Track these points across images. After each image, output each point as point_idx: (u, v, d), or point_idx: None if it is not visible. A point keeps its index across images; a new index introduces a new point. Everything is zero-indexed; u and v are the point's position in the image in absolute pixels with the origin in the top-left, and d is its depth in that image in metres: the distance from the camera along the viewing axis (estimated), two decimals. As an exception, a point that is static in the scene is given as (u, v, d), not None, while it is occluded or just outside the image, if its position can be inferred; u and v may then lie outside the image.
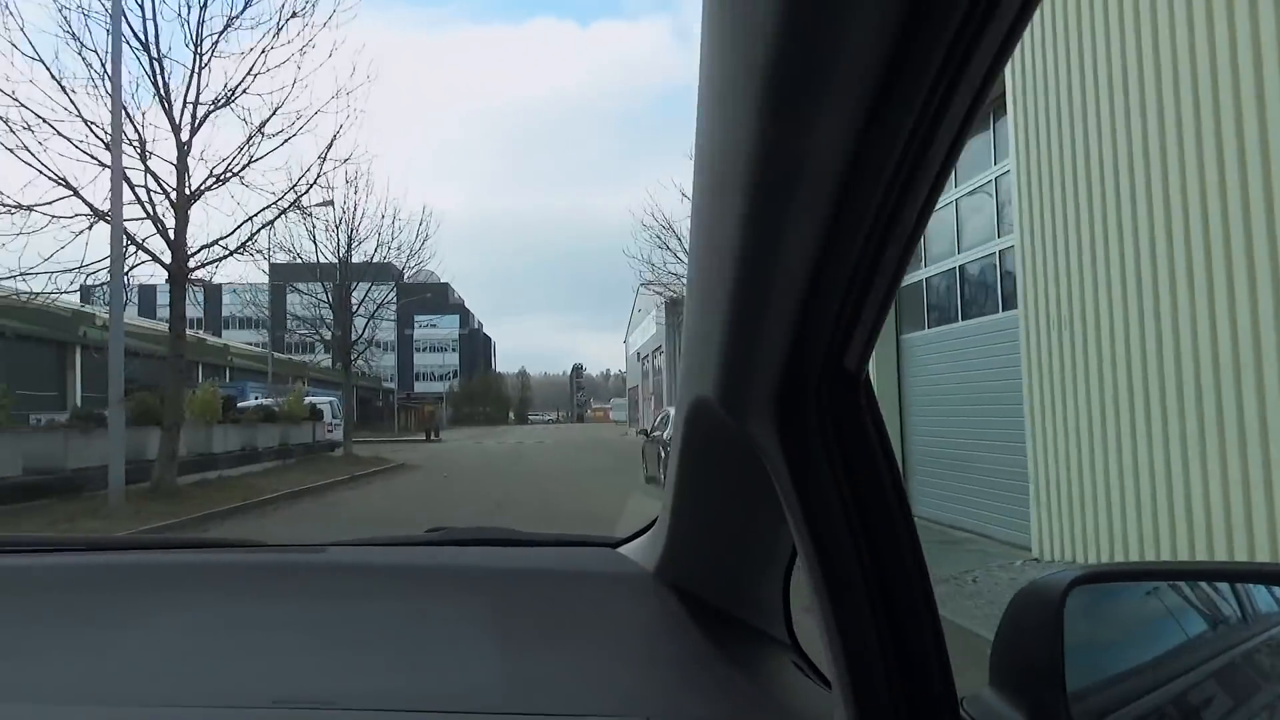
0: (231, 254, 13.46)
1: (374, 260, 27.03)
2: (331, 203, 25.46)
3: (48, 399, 25.54)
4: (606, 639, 1.07)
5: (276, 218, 14.28)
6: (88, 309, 31.85)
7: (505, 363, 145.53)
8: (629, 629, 1.11)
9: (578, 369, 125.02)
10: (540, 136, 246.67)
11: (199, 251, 13.30)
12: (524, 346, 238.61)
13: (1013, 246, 9.04)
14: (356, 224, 26.48)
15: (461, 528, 1.48)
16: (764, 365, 0.62)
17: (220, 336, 68.07)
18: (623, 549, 1.32)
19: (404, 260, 27.13)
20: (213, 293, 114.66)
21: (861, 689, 0.62)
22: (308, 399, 28.42)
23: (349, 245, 26.38)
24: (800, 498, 0.63)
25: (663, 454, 16.49)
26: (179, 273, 12.89)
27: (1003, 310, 9.66)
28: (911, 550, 0.63)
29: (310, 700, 0.87)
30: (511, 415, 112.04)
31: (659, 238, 30.28)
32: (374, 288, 27.62)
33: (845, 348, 0.60)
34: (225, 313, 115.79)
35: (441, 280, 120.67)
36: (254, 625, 1.11)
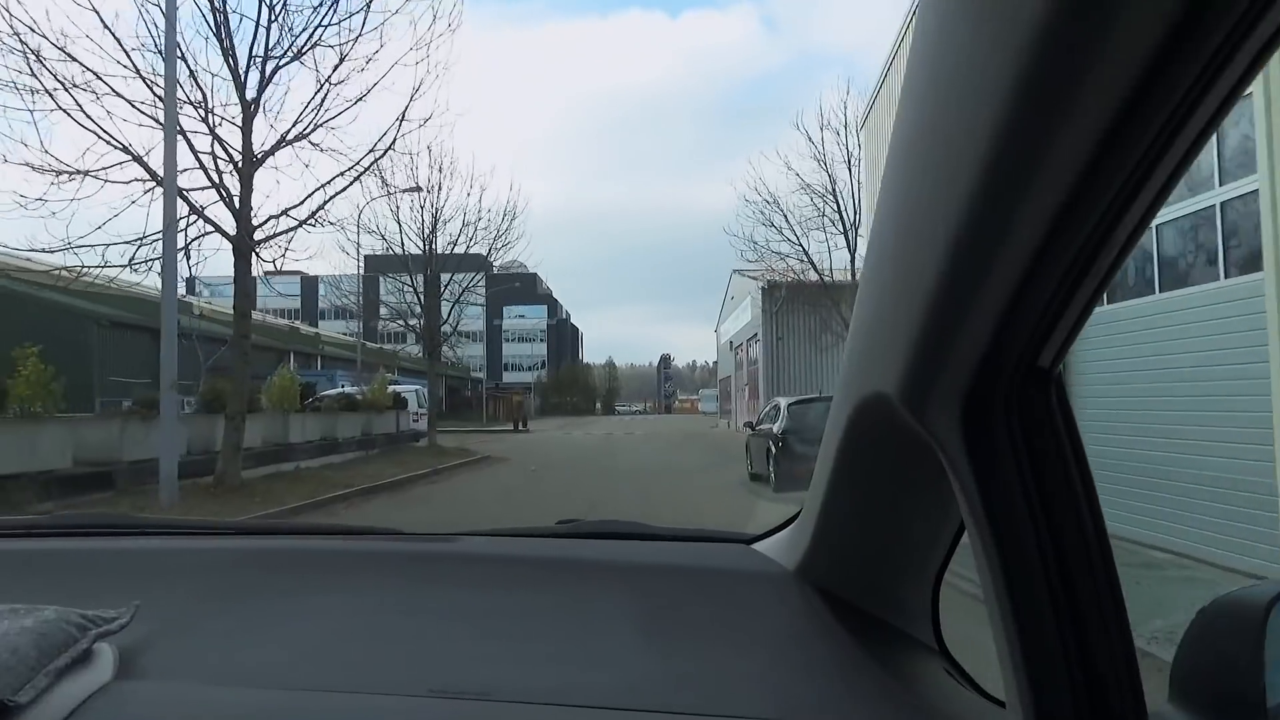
0: (301, 225, 12.28)
1: (459, 243, 25.74)
2: (419, 188, 24.36)
3: (140, 385, 25.28)
4: (751, 638, 1.03)
5: (351, 184, 13.00)
6: (189, 298, 31.84)
7: (592, 353, 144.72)
8: (773, 629, 1.06)
9: (665, 359, 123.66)
10: (628, 128, 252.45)
11: (266, 223, 12.14)
12: (611, 337, 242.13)
13: (1248, 194, 7.07)
14: (441, 204, 25.26)
15: (591, 520, 1.45)
16: (957, 361, 0.60)
17: (316, 326, 70.13)
18: (757, 546, 1.29)
19: (491, 240, 25.71)
20: (309, 284, 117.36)
21: (1043, 705, 0.60)
22: (392, 387, 27.46)
23: (434, 225, 25.19)
24: (984, 500, 0.61)
25: (773, 449, 14.80)
26: (242, 244, 11.74)
27: (1226, 277, 7.68)
28: (1103, 561, 0.61)
29: (466, 691, 0.86)
30: (598, 406, 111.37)
31: (762, 213, 28.05)
32: (460, 275, 26.35)
33: (1043, 345, 0.59)
34: (321, 305, 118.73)
35: (530, 270, 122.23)
36: (402, 613, 1.11)
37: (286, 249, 12.18)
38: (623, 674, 0.93)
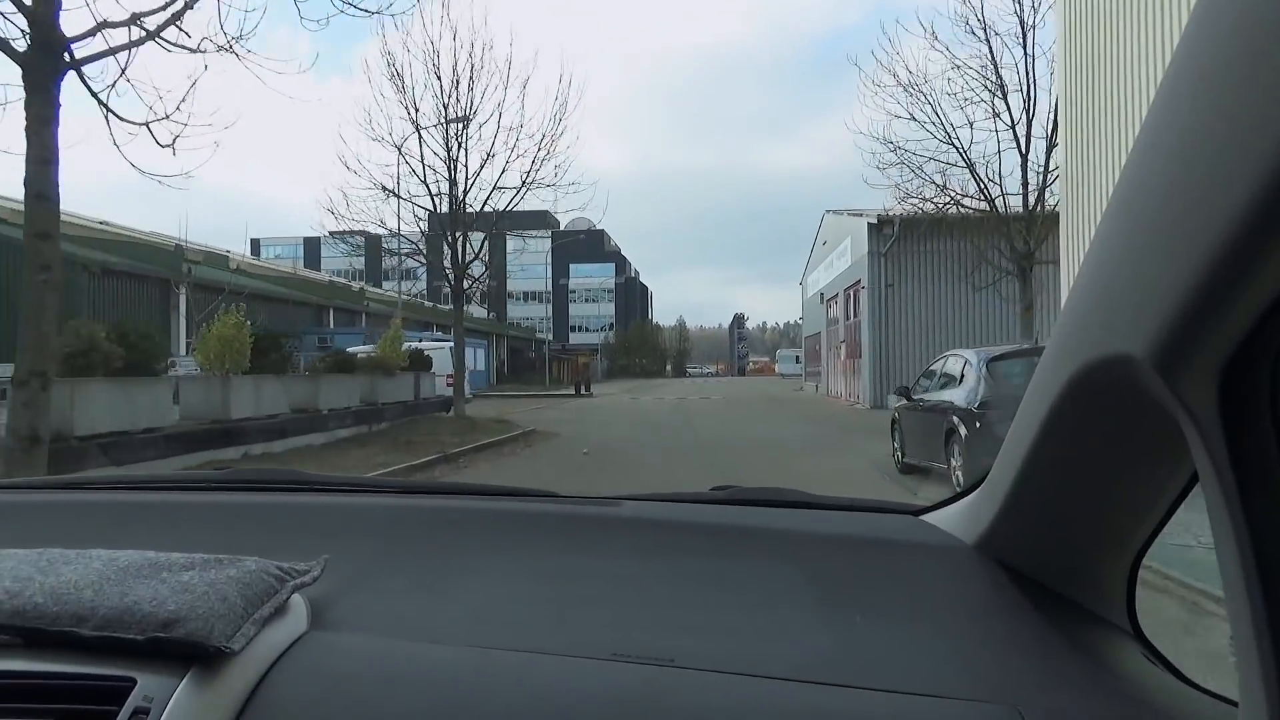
0: (152, 36, 6.93)
1: (496, 158, 20.24)
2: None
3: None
4: (933, 615, 0.99)
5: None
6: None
7: (662, 315, 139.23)
8: (956, 606, 1.02)
9: (739, 318, 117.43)
10: (696, 89, 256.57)
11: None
12: (681, 300, 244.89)
13: None
14: (472, 106, 19.73)
15: (750, 486, 1.41)
16: (1227, 326, 0.55)
17: (380, 288, 64.88)
18: (927, 518, 1.25)
19: (536, 152, 20.09)
20: (372, 244, 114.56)
21: None
22: (415, 344, 22.25)
23: (460, 133, 19.73)
24: (1237, 475, 0.57)
25: (961, 431, 9.11)
26: (43, 40, 6.41)
27: None
28: None
29: (649, 656, 0.85)
30: (669, 368, 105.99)
31: (898, 101, 20.43)
32: (490, 207, 20.84)
33: None
34: (387, 264, 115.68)
35: (598, 226, 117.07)
36: (571, 575, 1.11)
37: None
38: (804, 647, 0.90)
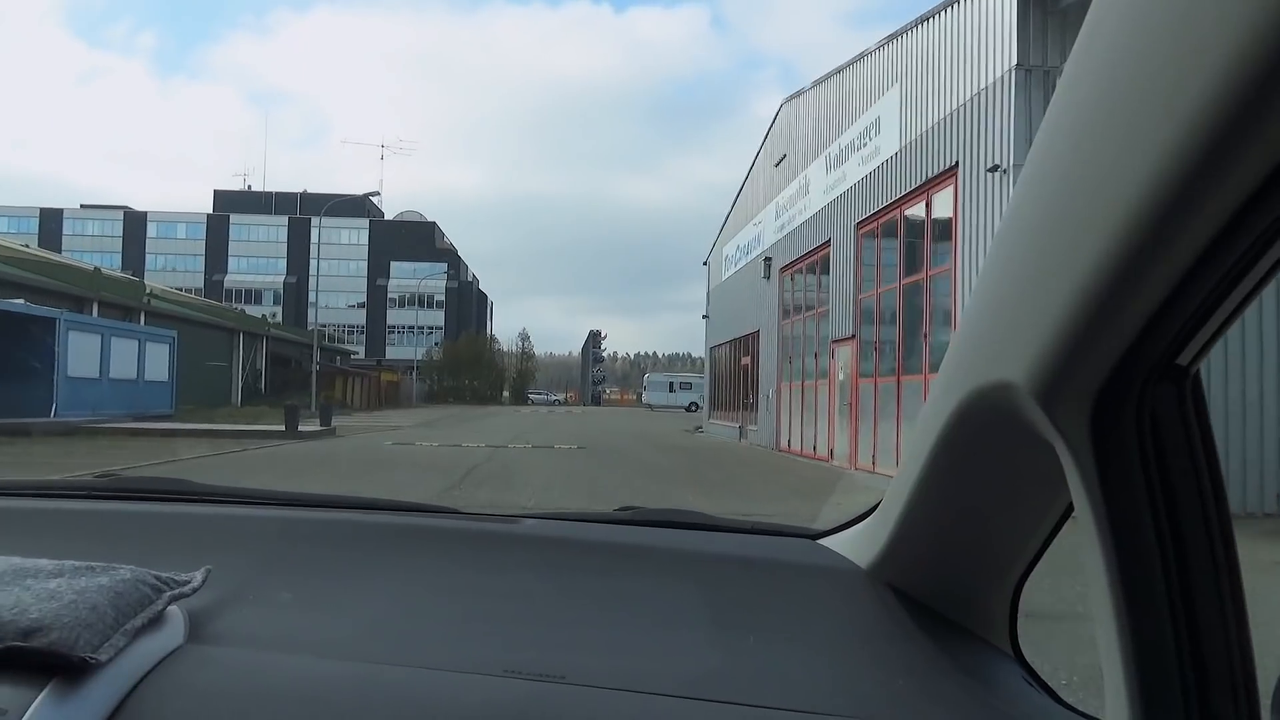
0: None
1: None
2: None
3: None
4: (822, 636, 1.01)
5: None
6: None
7: (508, 337, 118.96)
8: (845, 627, 1.04)
9: (595, 336, 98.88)
10: (565, 120, 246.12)
11: None
12: (532, 327, 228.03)
13: None
14: None
15: (653, 508, 1.40)
16: (1098, 353, 0.57)
17: (141, 276, 52.46)
18: (824, 541, 1.25)
19: None
20: (134, 222, 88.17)
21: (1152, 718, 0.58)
22: None
23: None
24: (1106, 499, 0.60)
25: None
26: None
27: None
28: (1229, 574, 0.59)
29: (541, 673, 0.85)
30: (506, 393, 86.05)
31: None
32: None
33: (1187, 343, 0.56)
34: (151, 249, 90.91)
35: (426, 220, 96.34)
36: (468, 592, 1.10)
37: None
38: (694, 665, 0.90)
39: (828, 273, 17.70)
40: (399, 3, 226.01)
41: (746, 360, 25.28)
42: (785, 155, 21.33)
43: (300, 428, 21.55)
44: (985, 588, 1.02)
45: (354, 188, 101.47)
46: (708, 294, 31.86)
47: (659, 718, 0.81)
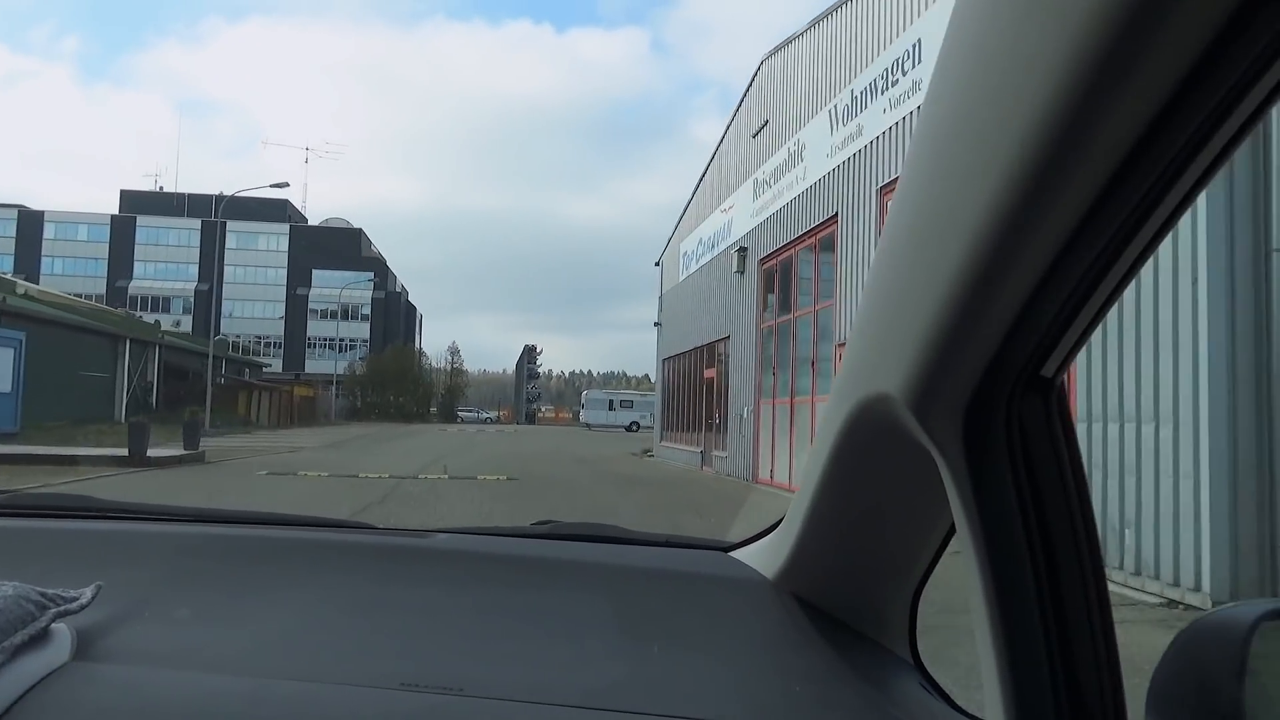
0: None
1: None
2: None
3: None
4: (728, 645, 1.03)
5: None
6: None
7: (438, 352, 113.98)
8: (751, 636, 1.06)
9: (530, 351, 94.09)
10: (504, 137, 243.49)
11: None
12: (466, 344, 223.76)
13: None
14: None
15: (569, 522, 1.40)
16: (964, 365, 0.60)
17: (38, 282, 51.03)
18: (736, 554, 1.27)
19: None
20: (30, 222, 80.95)
21: (1024, 718, 0.60)
22: None
23: None
24: (979, 508, 0.62)
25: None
26: None
27: None
28: (1094, 576, 0.61)
29: (438, 685, 0.85)
30: (434, 409, 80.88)
31: None
32: None
33: (1049, 354, 0.59)
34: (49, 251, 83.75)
35: (353, 226, 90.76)
36: (373, 606, 1.09)
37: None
38: (597, 675, 0.92)
39: (831, 254, 13.81)
40: (337, 15, 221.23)
41: (711, 373, 21.28)
42: (767, 122, 17.46)
43: (154, 452, 16.88)
44: (884, 596, 1.03)
45: (279, 194, 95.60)
46: (660, 298, 27.86)
47: None
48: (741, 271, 18.34)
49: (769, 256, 17.04)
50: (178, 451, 18.34)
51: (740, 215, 18.86)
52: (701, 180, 23.17)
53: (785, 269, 16.35)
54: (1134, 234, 0.50)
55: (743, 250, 18.30)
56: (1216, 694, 0.66)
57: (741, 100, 19.58)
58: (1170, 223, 0.50)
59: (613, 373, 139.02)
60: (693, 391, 23.34)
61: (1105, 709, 0.59)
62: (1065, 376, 0.62)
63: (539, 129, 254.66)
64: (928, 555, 0.96)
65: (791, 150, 15.83)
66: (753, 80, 18.74)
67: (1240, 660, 0.66)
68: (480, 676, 0.87)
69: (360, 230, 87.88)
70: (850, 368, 0.79)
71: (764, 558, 1.17)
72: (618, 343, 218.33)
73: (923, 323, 0.61)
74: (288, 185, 38.63)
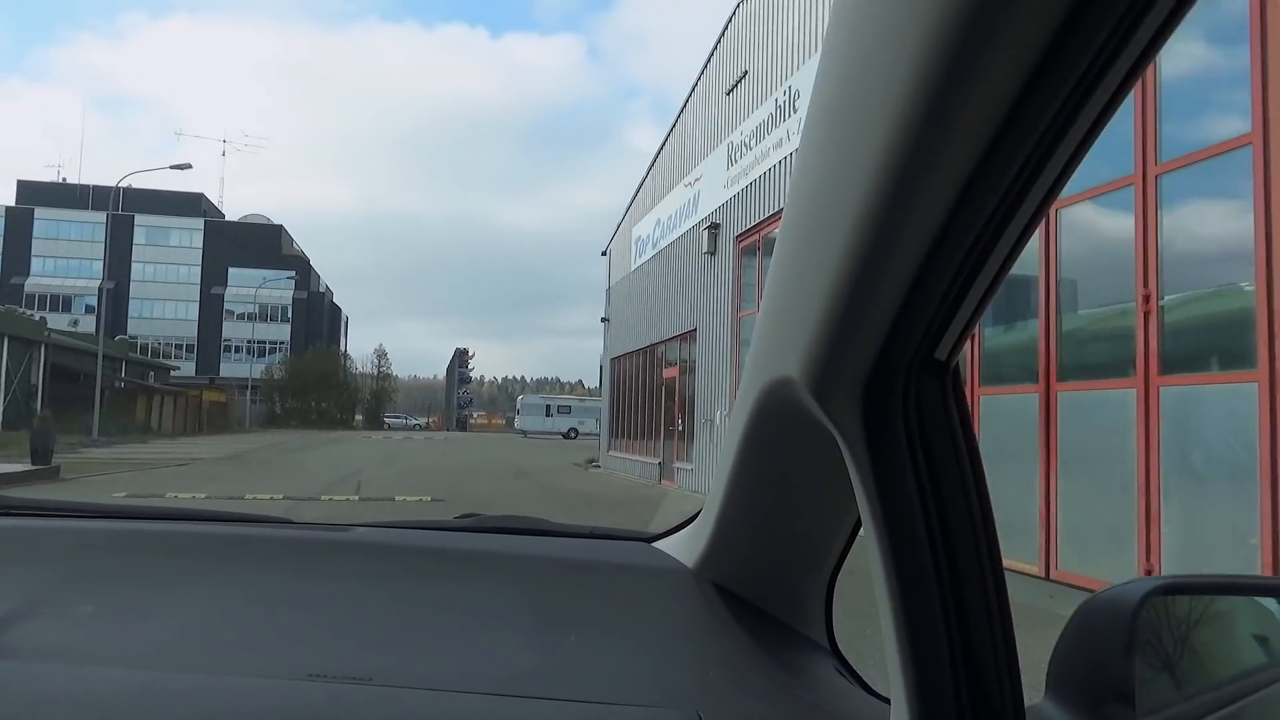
0: None
1: None
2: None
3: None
4: (647, 633, 1.04)
5: None
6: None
7: (365, 357, 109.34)
8: (670, 624, 1.08)
9: (461, 355, 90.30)
10: (442, 140, 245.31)
11: None
12: (396, 350, 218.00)
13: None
14: None
15: (492, 515, 1.40)
16: (858, 349, 0.62)
17: None
18: (658, 544, 1.28)
19: None
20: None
21: (926, 697, 0.61)
22: None
23: None
24: (879, 491, 0.63)
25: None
26: None
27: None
28: (990, 557, 0.62)
29: (346, 675, 0.85)
30: (360, 416, 76.67)
31: None
32: None
33: (940, 337, 0.60)
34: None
35: (273, 222, 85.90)
36: (285, 600, 1.09)
37: None
38: (509, 664, 0.92)
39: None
40: (264, 13, 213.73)
41: (672, 372, 18.56)
42: (746, 73, 14.82)
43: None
44: (799, 582, 1.04)
45: (194, 188, 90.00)
46: (607, 291, 25.08)
47: (462, 715, 0.81)
48: (713, 252, 15.68)
49: (747, 232, 14.42)
50: (22, 468, 14.89)
51: (710, 187, 16.21)
52: (658, 156, 20.47)
53: (770, 246, 13.71)
54: (1012, 214, 0.50)
55: (714, 227, 15.64)
56: (1108, 668, 0.70)
57: (711, 55, 16.93)
58: (1047, 202, 0.50)
59: (545, 378, 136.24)
60: (648, 394, 20.59)
61: (1002, 684, 0.60)
62: (959, 359, 0.62)
63: (474, 133, 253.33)
64: (840, 541, 0.96)
65: (780, 102, 13.21)
66: (725, 28, 16.11)
67: (1129, 635, 0.70)
68: (390, 666, 0.87)
69: (280, 226, 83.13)
70: (757, 351, 0.79)
71: (685, 547, 1.17)
72: (552, 349, 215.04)
73: (816, 306, 0.61)
74: (190, 166, 34.85)
